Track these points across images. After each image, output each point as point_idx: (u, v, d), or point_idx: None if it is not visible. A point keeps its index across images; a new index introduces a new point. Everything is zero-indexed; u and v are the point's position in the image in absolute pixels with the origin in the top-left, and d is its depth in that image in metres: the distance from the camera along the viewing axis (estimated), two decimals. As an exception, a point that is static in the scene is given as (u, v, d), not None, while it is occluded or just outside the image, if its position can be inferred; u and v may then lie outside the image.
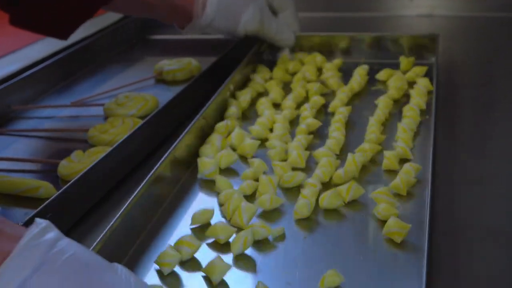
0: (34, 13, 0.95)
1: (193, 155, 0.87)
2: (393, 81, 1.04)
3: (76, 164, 0.85)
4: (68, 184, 0.74)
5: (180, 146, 0.83)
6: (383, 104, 0.96)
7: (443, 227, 0.69)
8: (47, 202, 0.70)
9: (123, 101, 1.06)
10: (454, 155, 0.85)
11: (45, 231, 0.46)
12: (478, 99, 1.03)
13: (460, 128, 0.93)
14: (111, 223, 0.65)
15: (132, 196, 0.70)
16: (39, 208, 0.69)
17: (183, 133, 0.86)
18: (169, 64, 1.20)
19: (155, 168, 0.76)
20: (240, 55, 1.15)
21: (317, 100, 1.00)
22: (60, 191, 0.73)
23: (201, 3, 1.09)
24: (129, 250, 0.68)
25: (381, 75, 1.10)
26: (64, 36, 1.01)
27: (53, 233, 0.47)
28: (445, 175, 0.80)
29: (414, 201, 0.74)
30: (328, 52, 1.22)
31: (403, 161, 0.82)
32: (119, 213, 0.67)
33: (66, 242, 0.47)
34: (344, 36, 1.22)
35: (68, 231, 0.74)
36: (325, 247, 0.67)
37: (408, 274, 0.62)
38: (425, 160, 0.80)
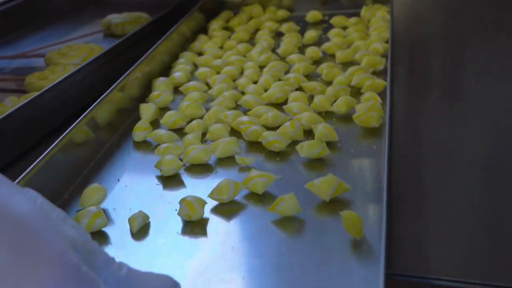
0: None
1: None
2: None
3: (8, 109, 0.77)
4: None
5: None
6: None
7: (405, 157, 0.65)
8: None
9: (66, 51, 0.98)
10: (419, 97, 0.80)
11: None
12: (445, 46, 0.98)
13: (426, 72, 0.88)
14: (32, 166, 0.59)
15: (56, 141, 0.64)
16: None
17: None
18: (118, 17, 1.13)
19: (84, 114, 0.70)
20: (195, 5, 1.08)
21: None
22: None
23: None
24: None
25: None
26: None
27: None
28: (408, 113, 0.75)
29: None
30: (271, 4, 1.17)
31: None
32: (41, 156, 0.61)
33: None
34: None
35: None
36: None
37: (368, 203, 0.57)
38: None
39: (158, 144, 0.70)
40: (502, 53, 0.91)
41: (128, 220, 0.56)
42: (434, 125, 0.73)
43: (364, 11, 1.07)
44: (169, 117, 0.74)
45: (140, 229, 0.56)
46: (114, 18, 1.13)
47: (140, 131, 0.71)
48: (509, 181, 0.60)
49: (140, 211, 0.57)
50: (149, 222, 0.57)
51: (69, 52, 0.98)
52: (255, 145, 0.69)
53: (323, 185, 0.57)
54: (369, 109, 0.71)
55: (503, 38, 0.97)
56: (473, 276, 0.49)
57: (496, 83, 0.82)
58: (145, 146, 0.71)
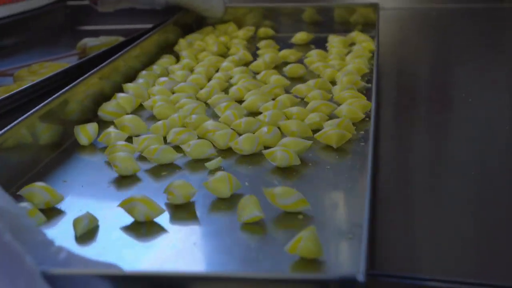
0: None
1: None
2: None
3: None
4: None
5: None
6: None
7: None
8: None
9: (36, 69, 0.94)
10: (406, 109, 0.78)
11: None
12: (433, 64, 0.97)
13: (414, 87, 0.87)
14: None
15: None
16: None
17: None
18: (94, 41, 1.09)
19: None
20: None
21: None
22: None
23: None
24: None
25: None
26: None
27: None
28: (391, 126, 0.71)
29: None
30: (257, 24, 1.13)
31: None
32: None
33: None
34: (276, 7, 1.13)
35: None
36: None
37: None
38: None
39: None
40: (492, 68, 0.89)
41: (73, 222, 0.50)
42: (422, 134, 0.70)
43: (354, 36, 1.03)
44: (121, 122, 0.69)
45: (88, 231, 0.49)
46: (90, 41, 1.09)
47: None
48: (494, 186, 0.58)
49: (87, 212, 0.50)
50: (98, 226, 0.50)
51: (39, 70, 0.93)
52: (224, 151, 0.64)
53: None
54: (338, 126, 0.65)
55: (493, 54, 0.95)
56: (460, 275, 0.44)
57: (487, 95, 0.79)
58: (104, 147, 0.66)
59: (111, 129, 0.66)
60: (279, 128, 0.66)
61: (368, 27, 1.08)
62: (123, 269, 0.36)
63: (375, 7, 1.07)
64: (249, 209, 0.49)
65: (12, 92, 0.74)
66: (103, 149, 0.65)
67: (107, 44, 1.07)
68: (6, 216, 0.35)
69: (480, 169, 0.61)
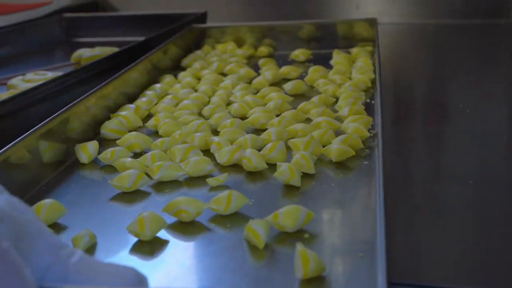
0: None
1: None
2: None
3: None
4: None
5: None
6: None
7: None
8: None
9: (31, 78, 0.93)
10: (406, 122, 0.78)
11: None
12: (431, 79, 0.98)
13: (413, 100, 0.88)
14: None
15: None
16: None
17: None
18: (90, 51, 1.08)
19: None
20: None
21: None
22: None
23: None
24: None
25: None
26: None
27: None
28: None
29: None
30: (256, 43, 1.13)
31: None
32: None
33: None
34: (275, 25, 1.13)
35: None
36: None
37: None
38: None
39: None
40: (487, 81, 0.91)
41: (72, 239, 0.48)
42: (420, 145, 0.71)
43: (355, 51, 1.02)
44: (126, 139, 0.67)
45: (89, 249, 0.48)
46: (85, 52, 1.08)
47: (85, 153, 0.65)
48: (491, 195, 0.59)
49: (86, 229, 0.49)
50: (96, 242, 0.49)
51: (34, 79, 0.92)
52: (228, 167, 0.62)
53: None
54: (344, 142, 0.63)
55: (488, 69, 0.98)
56: (459, 281, 0.46)
57: (483, 108, 0.81)
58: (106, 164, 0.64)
59: (113, 148, 0.65)
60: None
61: (367, 42, 1.07)
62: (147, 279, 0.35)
63: (373, 22, 1.07)
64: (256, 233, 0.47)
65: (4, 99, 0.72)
66: (105, 166, 0.64)
67: (102, 54, 1.06)
68: (8, 222, 0.33)
69: (478, 178, 0.61)
